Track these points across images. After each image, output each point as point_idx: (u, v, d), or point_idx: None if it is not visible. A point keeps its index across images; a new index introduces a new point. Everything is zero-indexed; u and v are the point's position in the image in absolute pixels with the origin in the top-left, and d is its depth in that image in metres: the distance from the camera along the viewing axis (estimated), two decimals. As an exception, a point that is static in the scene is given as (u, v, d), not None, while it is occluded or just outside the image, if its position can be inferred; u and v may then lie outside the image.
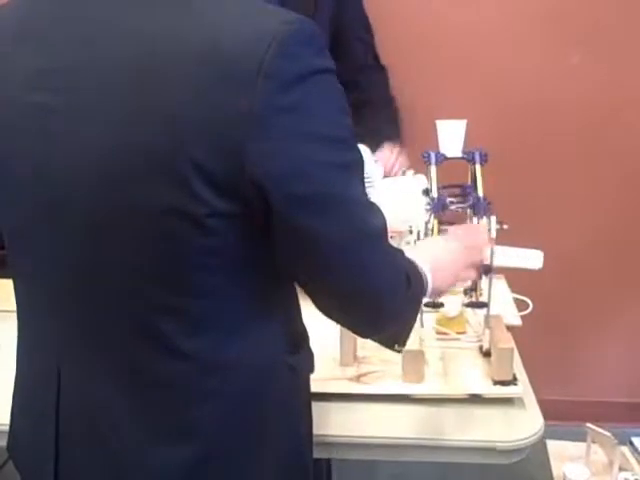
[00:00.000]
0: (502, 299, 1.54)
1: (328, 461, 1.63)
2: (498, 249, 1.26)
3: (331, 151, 0.75)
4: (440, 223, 1.25)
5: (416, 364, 1.23)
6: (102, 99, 0.74)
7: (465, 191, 1.29)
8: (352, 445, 1.16)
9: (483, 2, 2.09)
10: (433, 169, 1.28)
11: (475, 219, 1.24)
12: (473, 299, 1.29)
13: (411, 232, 1.31)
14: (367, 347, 1.29)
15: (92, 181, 0.76)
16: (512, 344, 1.24)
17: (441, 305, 1.19)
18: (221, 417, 0.83)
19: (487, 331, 1.31)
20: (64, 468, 0.87)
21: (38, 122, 0.78)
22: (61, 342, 0.86)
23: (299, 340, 0.93)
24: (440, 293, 1.04)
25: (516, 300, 1.59)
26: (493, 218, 1.23)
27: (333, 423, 1.17)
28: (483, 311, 1.30)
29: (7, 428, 0.97)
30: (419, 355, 1.23)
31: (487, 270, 1.23)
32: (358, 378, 1.27)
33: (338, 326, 1.28)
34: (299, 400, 0.93)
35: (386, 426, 1.17)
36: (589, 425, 1.69)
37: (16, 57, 0.79)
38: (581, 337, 2.36)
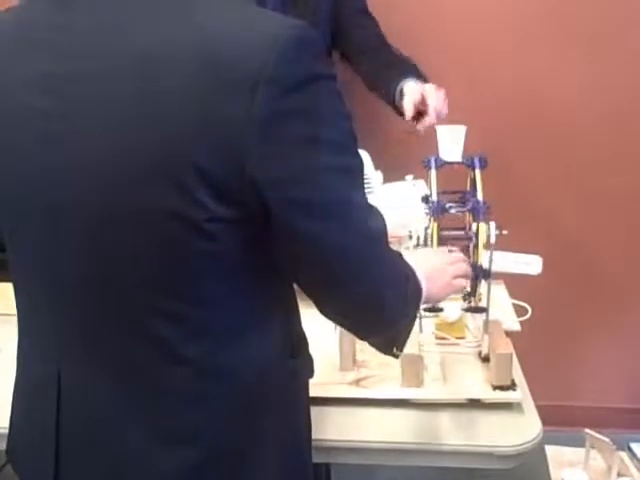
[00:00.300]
0: (501, 304, 1.55)
1: (327, 465, 1.63)
2: (497, 254, 1.26)
3: (331, 156, 0.76)
4: (440, 229, 1.25)
5: (415, 369, 1.24)
6: (102, 104, 0.74)
7: (465, 197, 1.29)
8: (351, 449, 1.16)
9: (483, 5, 2.09)
10: (433, 174, 1.29)
11: (474, 224, 1.25)
12: (472, 304, 1.30)
13: (410, 237, 1.31)
14: (366, 351, 1.30)
15: (92, 185, 0.76)
16: (511, 349, 1.24)
17: (440, 310, 1.20)
18: (221, 421, 0.84)
19: (486, 336, 1.31)
20: (64, 471, 0.87)
21: (38, 126, 0.78)
22: (61, 345, 0.86)
23: (299, 344, 0.93)
24: (434, 302, 1.06)
25: (515, 306, 1.59)
26: (492, 224, 1.23)
27: (332, 427, 1.17)
28: (482, 316, 1.30)
29: (6, 431, 0.97)
30: (418, 360, 1.24)
31: (486, 275, 1.23)
32: (357, 382, 1.27)
33: (337, 331, 1.29)
34: (299, 404, 0.94)
35: (385, 430, 1.17)
36: (587, 431, 1.69)
37: (17, 61, 0.80)
38: (579, 343, 2.36)
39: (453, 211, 1.27)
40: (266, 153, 0.72)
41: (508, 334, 1.31)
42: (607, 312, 2.32)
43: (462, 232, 1.31)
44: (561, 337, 2.34)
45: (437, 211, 1.24)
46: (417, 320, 0.96)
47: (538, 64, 2.11)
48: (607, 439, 1.64)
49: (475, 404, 1.21)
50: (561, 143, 2.18)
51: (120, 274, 0.79)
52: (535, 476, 1.72)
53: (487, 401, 1.21)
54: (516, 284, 1.62)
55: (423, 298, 0.96)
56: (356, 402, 1.23)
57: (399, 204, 1.47)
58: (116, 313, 0.81)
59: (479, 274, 1.23)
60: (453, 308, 1.36)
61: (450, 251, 1.16)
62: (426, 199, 1.29)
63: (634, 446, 1.75)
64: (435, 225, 1.24)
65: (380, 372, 1.29)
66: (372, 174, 1.55)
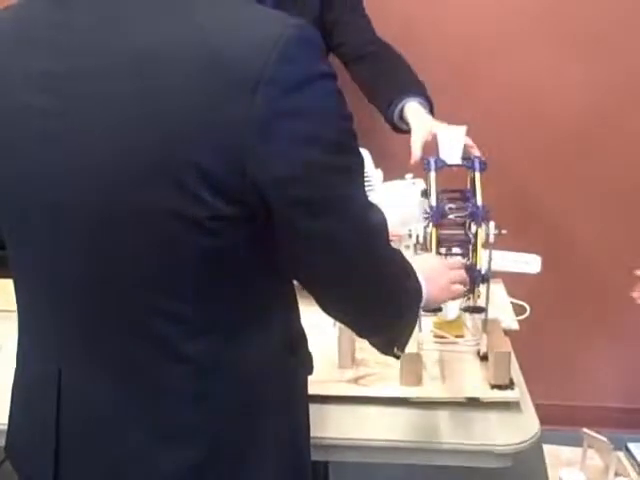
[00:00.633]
0: (500, 303, 1.55)
1: (326, 464, 1.63)
2: (497, 254, 1.26)
3: (331, 154, 0.76)
4: (441, 225, 1.25)
5: (414, 367, 1.24)
6: (102, 103, 0.74)
7: (465, 195, 1.29)
8: (350, 447, 1.17)
9: (483, 10, 2.09)
10: (432, 176, 1.28)
11: (473, 227, 1.25)
12: (470, 302, 1.30)
13: (410, 236, 1.31)
14: (365, 350, 1.30)
15: (92, 185, 0.76)
16: (509, 348, 1.25)
17: (439, 309, 1.20)
18: (221, 420, 0.84)
19: (485, 335, 1.31)
20: (64, 470, 0.87)
21: (38, 125, 0.78)
22: (62, 343, 0.86)
23: (298, 342, 0.93)
24: (432, 304, 1.06)
25: (514, 304, 1.60)
26: (492, 223, 1.23)
27: (331, 425, 1.17)
28: (481, 315, 1.30)
29: (5, 427, 0.97)
30: (417, 358, 1.24)
31: (484, 280, 1.23)
32: (356, 381, 1.27)
33: (336, 329, 1.29)
34: (298, 401, 0.94)
35: (383, 429, 1.18)
36: (585, 430, 1.68)
37: (16, 60, 0.79)
38: (578, 342, 2.37)
39: (452, 216, 1.27)
40: (267, 152, 0.72)
41: (507, 333, 1.31)
42: (605, 311, 2.32)
43: (461, 231, 1.31)
44: (559, 336, 2.34)
45: (436, 217, 1.24)
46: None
47: (538, 64, 2.11)
48: (605, 439, 1.64)
49: (473, 403, 1.21)
50: (561, 143, 2.18)
51: (120, 273, 0.79)
52: (533, 475, 1.72)
53: (485, 400, 1.21)
54: (515, 283, 1.63)
55: (424, 299, 0.96)
56: (355, 400, 1.23)
57: (399, 203, 1.47)
58: (116, 312, 0.81)
59: (477, 278, 1.22)
60: (452, 307, 1.36)
61: (449, 253, 1.17)
62: (425, 193, 1.28)
63: (632, 446, 1.74)
64: (434, 230, 1.23)
65: (379, 370, 1.29)
66: (372, 172, 1.55)
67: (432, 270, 1.03)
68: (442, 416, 1.20)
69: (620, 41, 2.07)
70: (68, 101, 0.76)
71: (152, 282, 0.78)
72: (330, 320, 1.38)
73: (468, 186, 1.31)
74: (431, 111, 1.59)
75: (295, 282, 0.89)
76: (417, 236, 1.29)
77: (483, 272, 1.22)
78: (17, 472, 0.95)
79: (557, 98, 2.14)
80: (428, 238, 1.26)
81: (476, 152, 1.37)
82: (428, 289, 0.96)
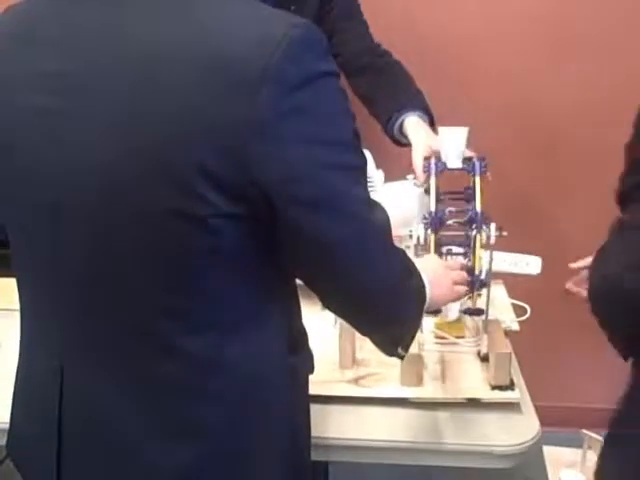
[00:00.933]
0: (500, 304, 1.55)
1: (326, 464, 1.63)
2: (497, 255, 1.26)
3: (334, 154, 0.76)
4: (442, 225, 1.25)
5: (414, 368, 1.24)
6: (105, 103, 0.74)
7: (466, 195, 1.29)
8: (350, 448, 1.17)
9: (483, 9, 2.09)
10: (433, 179, 1.28)
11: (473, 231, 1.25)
12: (471, 301, 1.30)
13: (411, 236, 1.31)
14: (366, 350, 1.30)
15: (95, 183, 0.76)
16: (510, 349, 1.25)
17: (439, 310, 1.20)
18: (221, 416, 0.84)
19: (485, 336, 1.31)
20: (66, 467, 0.87)
21: (40, 124, 0.78)
22: (63, 341, 0.86)
23: (299, 340, 0.93)
24: (435, 306, 1.06)
25: (514, 306, 1.60)
26: (492, 225, 1.23)
27: (331, 425, 1.17)
28: (481, 316, 1.30)
29: (6, 426, 0.97)
30: (417, 359, 1.24)
31: (483, 285, 1.23)
32: (357, 381, 1.27)
33: (337, 327, 1.29)
34: (298, 400, 0.94)
35: (384, 429, 1.18)
36: (585, 431, 1.69)
37: (19, 60, 0.80)
38: (578, 343, 2.36)
39: (451, 222, 1.26)
40: (270, 152, 0.72)
41: (507, 334, 1.31)
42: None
43: (462, 232, 1.31)
44: (560, 337, 2.34)
45: (435, 224, 1.24)
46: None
47: (537, 66, 2.12)
48: (605, 440, 1.64)
49: (474, 403, 1.21)
50: (561, 143, 2.18)
51: (120, 272, 0.79)
52: (533, 476, 1.73)
53: (486, 401, 1.21)
54: (515, 284, 1.63)
55: (427, 300, 0.96)
56: (355, 400, 1.23)
57: (400, 203, 1.47)
58: (117, 308, 0.81)
59: (476, 284, 1.22)
60: (452, 307, 1.36)
61: (449, 253, 1.17)
62: (428, 191, 1.28)
63: (632, 447, 1.74)
64: (433, 236, 1.23)
65: (379, 371, 1.29)
66: (374, 173, 1.55)
67: (434, 272, 1.03)
68: (442, 417, 1.20)
69: (620, 41, 2.07)
70: (69, 101, 0.76)
71: (153, 279, 0.78)
72: (331, 320, 1.39)
73: (471, 183, 1.31)
74: (431, 122, 1.59)
75: (297, 280, 0.89)
76: (418, 237, 1.29)
77: (482, 277, 1.22)
78: (19, 470, 0.96)
79: (557, 98, 2.14)
80: (429, 239, 1.26)
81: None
82: (431, 291, 0.96)
